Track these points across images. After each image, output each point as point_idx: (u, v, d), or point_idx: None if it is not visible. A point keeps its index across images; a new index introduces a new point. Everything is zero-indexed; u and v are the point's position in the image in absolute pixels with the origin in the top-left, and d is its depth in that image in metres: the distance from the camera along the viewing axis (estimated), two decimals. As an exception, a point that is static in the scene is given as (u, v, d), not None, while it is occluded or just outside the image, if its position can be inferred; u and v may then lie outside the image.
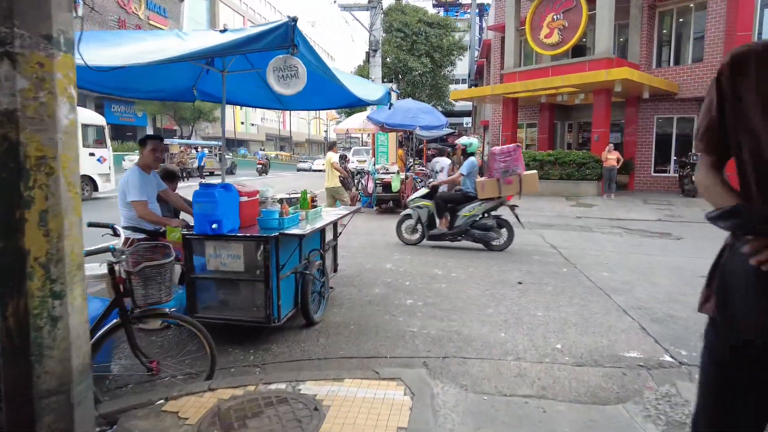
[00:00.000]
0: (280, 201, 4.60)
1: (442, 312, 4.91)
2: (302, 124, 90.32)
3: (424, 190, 8.36)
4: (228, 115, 36.50)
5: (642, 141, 17.30)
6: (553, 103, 19.02)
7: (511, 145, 7.87)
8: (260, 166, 32.40)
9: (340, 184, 10.78)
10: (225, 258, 3.83)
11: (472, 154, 7.93)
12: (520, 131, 20.36)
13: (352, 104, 5.96)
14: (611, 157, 14.90)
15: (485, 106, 24.77)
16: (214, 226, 3.64)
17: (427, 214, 8.06)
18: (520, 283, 5.96)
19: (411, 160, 19.72)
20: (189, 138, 41.48)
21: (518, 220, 7.84)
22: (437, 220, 8.11)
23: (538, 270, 6.60)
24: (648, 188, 17.31)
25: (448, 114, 41.89)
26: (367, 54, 21.25)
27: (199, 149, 32.28)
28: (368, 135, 15.36)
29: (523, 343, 4.11)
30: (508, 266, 6.80)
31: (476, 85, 30.60)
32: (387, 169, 12.95)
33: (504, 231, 7.83)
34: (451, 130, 27.41)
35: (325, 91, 5.11)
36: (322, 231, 4.78)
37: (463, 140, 8.33)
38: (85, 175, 14.19)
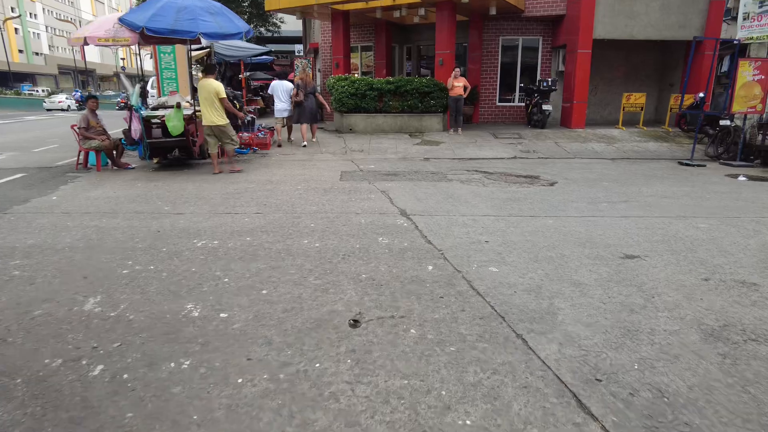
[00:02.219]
0: None
1: None
2: (106, 53, 75.44)
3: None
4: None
5: (486, 67, 15.46)
6: (390, 21, 16.10)
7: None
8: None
9: (227, 121, 8.22)
10: None
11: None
12: (354, 56, 17.22)
13: None
14: (458, 85, 12.66)
15: (314, 28, 20.96)
16: None
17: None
18: (354, 323, 2.99)
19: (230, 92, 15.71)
20: None
21: None
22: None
23: (386, 275, 3.71)
24: (493, 119, 15.76)
25: (276, 40, 36.82)
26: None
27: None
28: (122, 49, 10.83)
29: None
30: (339, 267, 3.81)
31: None
32: (166, 104, 8.89)
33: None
34: (271, 57, 23.25)
35: None
36: None
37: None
38: None
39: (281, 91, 11.36)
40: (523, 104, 15.30)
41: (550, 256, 4.19)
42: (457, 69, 12.77)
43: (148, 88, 16.78)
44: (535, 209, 5.86)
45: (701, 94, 12.73)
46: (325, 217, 5.33)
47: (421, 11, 14.40)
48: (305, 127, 11.70)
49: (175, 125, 8.14)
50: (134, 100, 7.92)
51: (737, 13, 16.44)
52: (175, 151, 9.15)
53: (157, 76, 11.50)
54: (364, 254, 4.14)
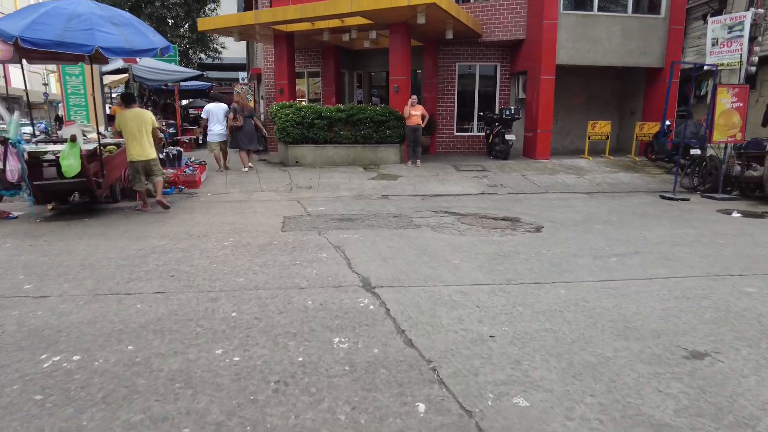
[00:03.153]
0: None
1: None
2: (35, 79, 70.43)
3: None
4: None
5: (443, 95, 14.46)
6: (339, 45, 14.89)
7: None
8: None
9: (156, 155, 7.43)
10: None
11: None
12: (300, 81, 15.85)
13: None
14: (415, 114, 11.48)
15: (257, 52, 19.50)
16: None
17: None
18: None
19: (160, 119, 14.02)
20: None
21: None
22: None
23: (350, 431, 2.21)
24: (451, 150, 14.69)
25: (219, 67, 35.04)
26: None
27: None
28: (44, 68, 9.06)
29: None
30: (268, 412, 2.27)
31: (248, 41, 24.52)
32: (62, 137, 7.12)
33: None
34: (208, 84, 21.69)
35: None
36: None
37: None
38: None
39: (217, 113, 10.52)
40: (483, 134, 14.33)
41: (589, 362, 2.82)
42: (414, 97, 11.61)
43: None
44: (534, 270, 4.55)
45: (668, 122, 12.15)
46: (255, 298, 3.77)
47: (372, 34, 13.28)
48: (245, 153, 11.26)
49: (70, 164, 6.37)
50: (12, 133, 6.11)
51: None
52: (74, 195, 7.34)
53: (63, 102, 9.64)
54: (311, 378, 2.61)
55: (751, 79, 11.21)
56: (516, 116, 12.23)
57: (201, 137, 16.25)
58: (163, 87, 17.70)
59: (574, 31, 12.41)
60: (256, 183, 9.92)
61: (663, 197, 9.17)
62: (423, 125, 11.76)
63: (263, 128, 12.22)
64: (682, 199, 8.98)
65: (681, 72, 13.39)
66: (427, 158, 12.86)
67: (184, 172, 9.38)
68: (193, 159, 10.57)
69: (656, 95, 13.42)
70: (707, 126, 9.22)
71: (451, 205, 8.11)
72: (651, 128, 13.02)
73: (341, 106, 11.71)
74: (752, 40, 9.93)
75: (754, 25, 9.95)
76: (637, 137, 13.15)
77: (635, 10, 12.75)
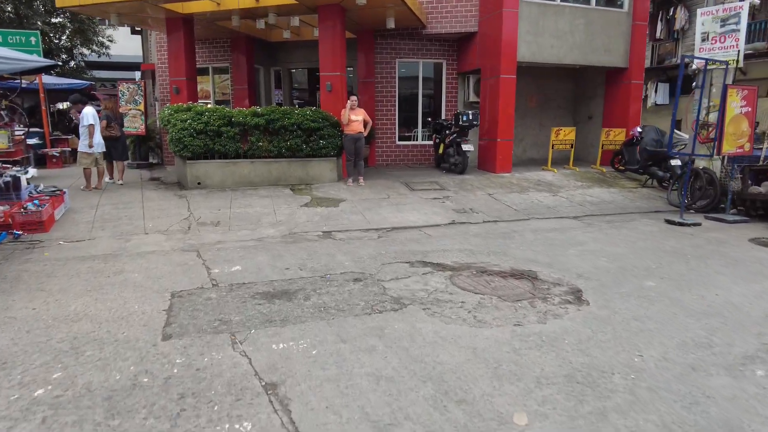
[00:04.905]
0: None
1: None
2: None
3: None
4: None
5: (382, 97, 12.14)
6: (252, 35, 12.07)
7: None
8: None
9: None
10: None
11: None
12: (203, 79, 12.80)
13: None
14: (356, 119, 9.04)
15: (151, 45, 16.02)
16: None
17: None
18: None
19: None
20: None
21: None
22: None
23: None
24: (393, 162, 12.41)
25: (109, 66, 30.25)
26: None
27: None
28: None
29: None
30: None
31: (141, 32, 20.31)
32: None
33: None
34: (85, 82, 18.01)
35: None
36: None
37: None
38: None
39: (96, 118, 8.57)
40: (431, 143, 12.18)
41: None
42: (354, 98, 9.16)
43: None
44: (670, 425, 2.29)
45: (638, 129, 10.70)
46: None
47: (295, 21, 10.67)
48: (122, 164, 9.84)
49: None
50: None
51: (678, 35, 15.32)
52: None
53: None
54: None
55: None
56: (474, 122, 10.17)
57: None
58: (21, 84, 13.82)
59: (536, 23, 10.60)
60: (138, 217, 6.96)
61: (670, 222, 7.45)
62: (365, 133, 9.35)
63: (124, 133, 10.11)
64: (694, 224, 7.31)
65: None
66: (368, 173, 10.44)
67: (24, 208, 6.24)
68: (41, 188, 7.32)
69: (618, 98, 12.03)
70: (717, 134, 7.64)
71: (426, 248, 5.76)
72: (617, 135, 11.57)
73: (258, 109, 8.97)
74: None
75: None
76: (602, 145, 11.63)
77: (598, 1, 11.22)
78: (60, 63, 8.88)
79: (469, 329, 3.48)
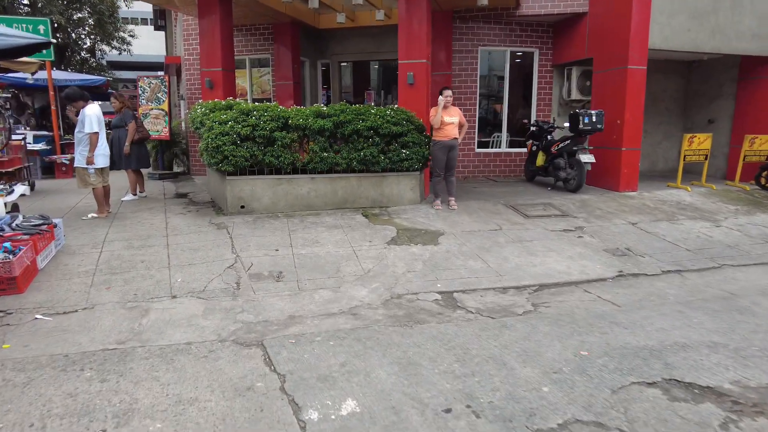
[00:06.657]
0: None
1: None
2: None
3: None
4: None
5: (461, 92, 9.79)
6: (297, 19, 9.84)
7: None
8: None
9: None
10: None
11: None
12: (239, 73, 10.61)
13: None
14: (450, 121, 6.71)
15: (177, 36, 13.94)
16: None
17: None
18: None
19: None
20: None
21: None
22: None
23: None
24: (471, 175, 10.04)
25: (132, 66, 28.54)
26: None
27: None
28: None
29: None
30: None
31: (165, 28, 17.98)
32: None
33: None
34: (101, 78, 16.10)
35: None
36: None
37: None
38: None
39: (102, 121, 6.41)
40: (517, 150, 9.77)
41: None
42: (448, 92, 6.80)
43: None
44: None
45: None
46: None
47: (359, 2, 8.34)
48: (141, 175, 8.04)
49: None
50: None
51: None
52: None
53: None
54: None
55: None
56: (599, 126, 7.75)
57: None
58: (30, 84, 11.85)
59: (671, 0, 8.16)
60: (161, 264, 4.70)
61: None
62: (460, 140, 7.00)
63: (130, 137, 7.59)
64: None
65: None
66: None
67: (-11, 254, 4.01)
68: (19, 221, 5.06)
69: (758, 96, 9.48)
70: None
71: (639, 338, 3.38)
72: (764, 143, 9.03)
73: (323, 108, 6.66)
74: None
75: None
76: (744, 156, 9.09)
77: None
78: (55, 41, 6.69)
79: None
